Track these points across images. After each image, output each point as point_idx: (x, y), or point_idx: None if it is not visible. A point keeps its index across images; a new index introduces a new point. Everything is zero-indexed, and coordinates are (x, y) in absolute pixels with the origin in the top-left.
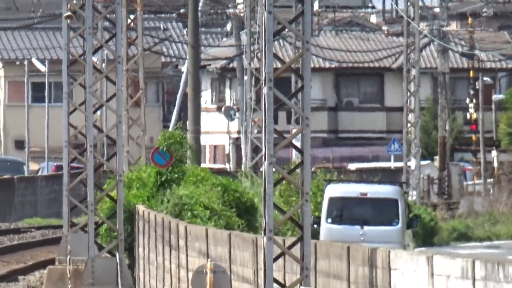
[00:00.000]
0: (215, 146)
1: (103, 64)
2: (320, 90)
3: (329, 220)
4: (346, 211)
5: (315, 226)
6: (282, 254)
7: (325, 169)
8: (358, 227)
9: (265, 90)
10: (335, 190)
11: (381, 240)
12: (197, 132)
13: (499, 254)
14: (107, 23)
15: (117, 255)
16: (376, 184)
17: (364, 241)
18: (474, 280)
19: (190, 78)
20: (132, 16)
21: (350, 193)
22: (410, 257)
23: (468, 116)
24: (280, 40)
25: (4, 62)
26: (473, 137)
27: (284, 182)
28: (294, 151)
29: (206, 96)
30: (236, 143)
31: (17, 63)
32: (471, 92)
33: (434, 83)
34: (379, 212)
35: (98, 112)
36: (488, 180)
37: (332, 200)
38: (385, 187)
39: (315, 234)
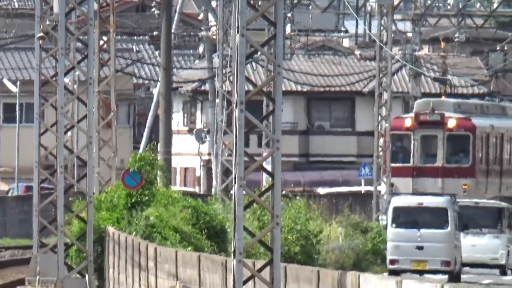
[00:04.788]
0: (185, 168)
1: (75, 85)
2: (291, 113)
3: (394, 225)
4: (407, 217)
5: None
6: (252, 277)
7: (295, 193)
8: (416, 230)
9: (236, 112)
10: (398, 200)
11: (434, 241)
12: (168, 154)
13: (470, 278)
14: (79, 44)
15: (87, 276)
16: (430, 196)
17: (421, 241)
18: None
19: (162, 100)
20: (104, 38)
21: (409, 203)
22: (380, 281)
23: None
24: (253, 63)
25: None
26: None
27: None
28: (264, 174)
29: (178, 118)
30: (207, 165)
31: None
32: None
33: (405, 108)
34: (432, 218)
35: (69, 133)
36: None
37: (395, 209)
38: (438, 198)
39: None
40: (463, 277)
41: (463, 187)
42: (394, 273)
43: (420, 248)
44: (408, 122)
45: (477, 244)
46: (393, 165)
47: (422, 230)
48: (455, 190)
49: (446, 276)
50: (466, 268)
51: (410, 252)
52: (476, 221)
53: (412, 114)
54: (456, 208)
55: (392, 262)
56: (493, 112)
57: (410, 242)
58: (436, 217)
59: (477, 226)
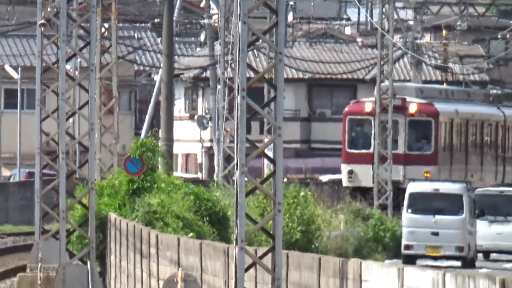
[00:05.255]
0: (187, 155)
1: (77, 72)
2: (293, 100)
3: (409, 210)
4: (422, 203)
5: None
6: (253, 264)
7: (298, 180)
8: (431, 216)
9: (238, 99)
10: (414, 187)
11: (449, 227)
12: (169, 140)
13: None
14: (81, 31)
15: (89, 262)
16: (446, 182)
17: (436, 227)
18: None
19: (163, 87)
20: (106, 25)
21: (425, 189)
22: (381, 269)
23: None
24: (255, 51)
25: None
26: None
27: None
28: (266, 161)
29: (179, 105)
30: (209, 152)
31: None
32: None
33: None
34: (448, 204)
35: (71, 120)
36: None
37: (411, 194)
38: (453, 184)
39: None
40: (479, 264)
41: (425, 174)
42: (408, 258)
43: (435, 234)
44: (368, 107)
45: (502, 232)
46: (351, 151)
47: (437, 216)
48: (416, 178)
49: (459, 263)
50: (493, 255)
51: (425, 237)
52: (501, 209)
53: (372, 98)
54: (472, 195)
55: (407, 247)
56: (458, 97)
57: (425, 228)
58: (451, 204)
59: (502, 214)
